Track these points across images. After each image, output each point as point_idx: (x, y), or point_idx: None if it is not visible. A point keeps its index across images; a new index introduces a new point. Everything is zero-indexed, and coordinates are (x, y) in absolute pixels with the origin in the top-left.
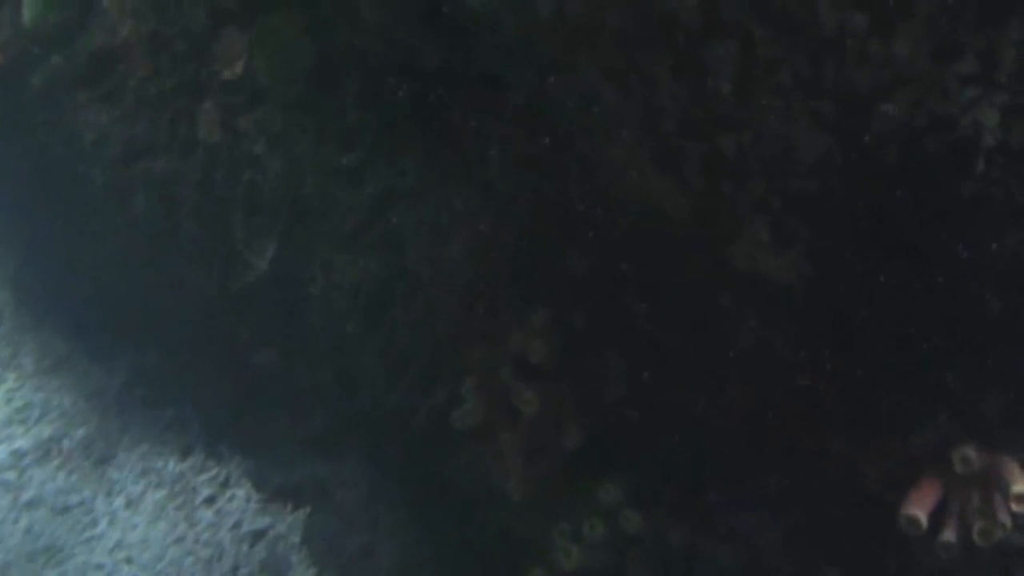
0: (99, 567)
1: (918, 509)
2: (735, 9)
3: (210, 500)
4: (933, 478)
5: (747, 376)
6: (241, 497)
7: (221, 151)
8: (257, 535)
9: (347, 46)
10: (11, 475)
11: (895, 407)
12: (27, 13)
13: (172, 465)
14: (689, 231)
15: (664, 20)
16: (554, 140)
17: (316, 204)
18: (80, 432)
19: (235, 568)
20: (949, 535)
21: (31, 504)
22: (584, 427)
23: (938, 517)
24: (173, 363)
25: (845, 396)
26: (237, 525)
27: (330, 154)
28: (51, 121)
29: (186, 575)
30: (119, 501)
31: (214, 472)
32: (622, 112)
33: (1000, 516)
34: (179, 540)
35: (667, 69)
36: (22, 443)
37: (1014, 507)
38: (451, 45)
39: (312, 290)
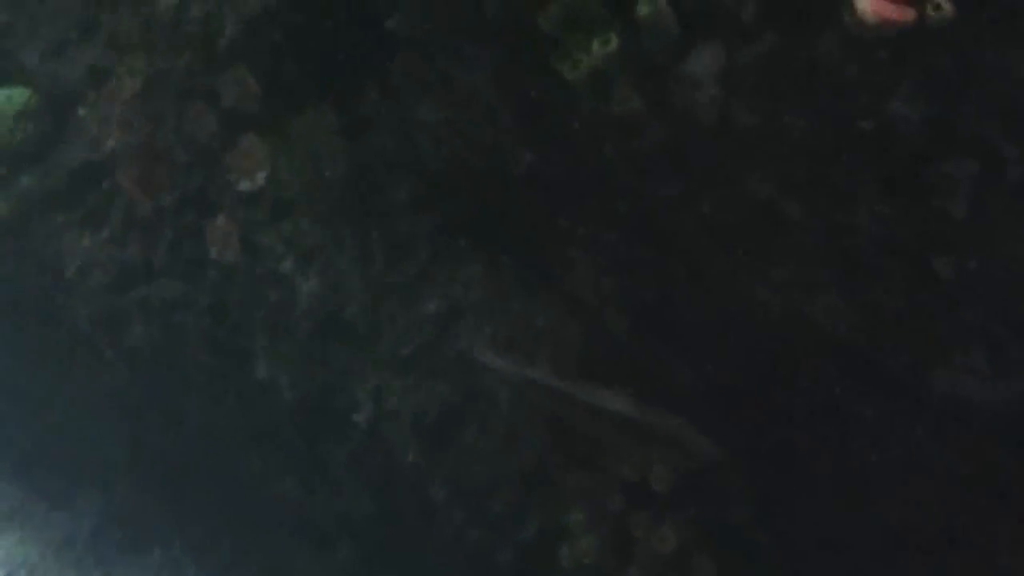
0: None
1: None
2: (976, 124)
3: None
4: None
5: (899, 491)
6: None
7: (238, 271)
8: None
9: (388, 148)
10: None
11: None
12: None
13: None
14: (851, 350)
15: (875, 135)
16: (661, 247)
17: (363, 326)
18: None
19: None
20: None
21: None
22: (715, 557)
23: None
24: (152, 501)
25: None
26: None
27: (378, 269)
28: (21, 250)
29: None
30: None
31: None
32: (803, 228)
33: None
34: None
35: (876, 186)
36: None
37: None
38: (553, 148)
39: (357, 418)
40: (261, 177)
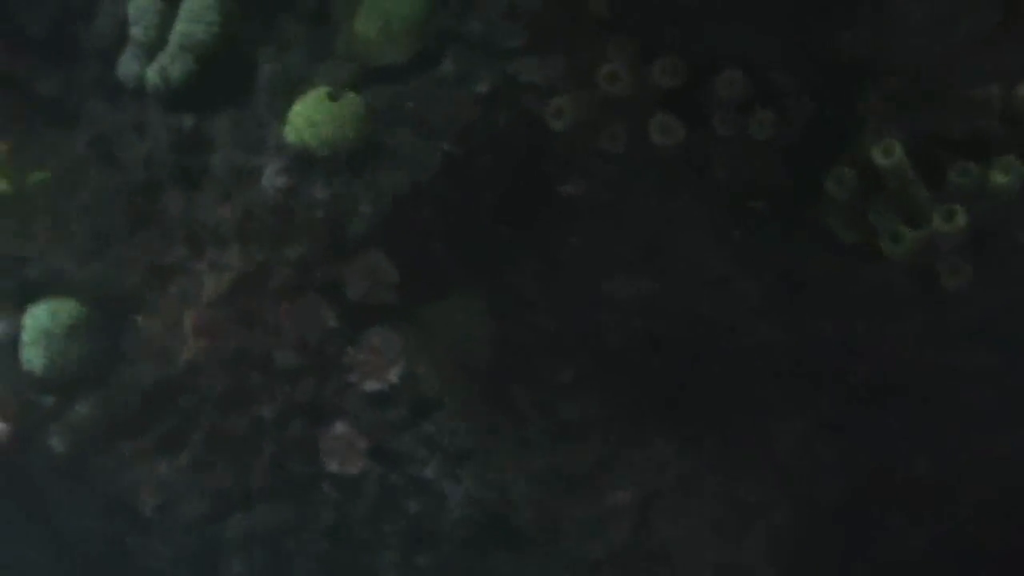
0: None
1: None
2: None
3: None
4: None
5: None
6: None
7: (365, 484)
8: None
9: (548, 328)
10: None
11: None
12: (35, 356)
13: None
14: None
15: None
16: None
17: (535, 528)
18: None
19: None
20: None
21: None
22: None
23: None
24: None
25: None
26: None
27: (546, 462)
28: (81, 491)
29: None
30: None
31: None
32: None
33: None
34: None
35: None
36: None
37: None
38: (808, 322)
39: None
40: (395, 374)
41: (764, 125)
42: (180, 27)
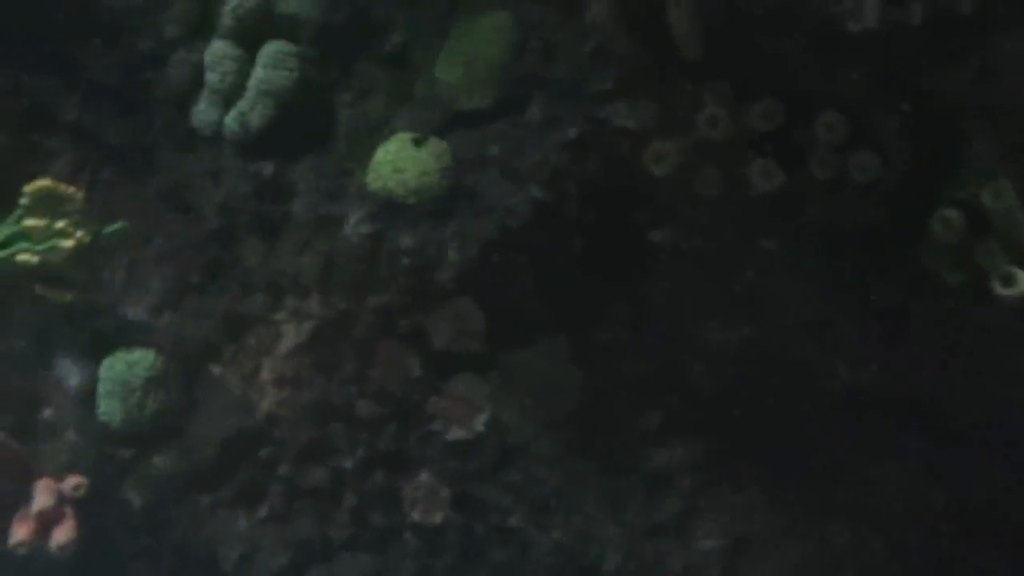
0: None
1: None
2: None
3: None
4: None
5: None
6: None
7: (448, 534)
8: None
9: (635, 374)
10: None
11: None
12: (111, 408)
13: None
14: None
15: None
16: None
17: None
18: None
19: None
20: None
21: None
22: None
23: None
24: None
25: None
26: None
27: (636, 509)
28: (157, 546)
29: None
30: None
31: None
32: None
33: None
34: None
35: None
36: None
37: None
38: (905, 363)
39: None
40: (480, 422)
41: (865, 168)
42: (259, 73)
